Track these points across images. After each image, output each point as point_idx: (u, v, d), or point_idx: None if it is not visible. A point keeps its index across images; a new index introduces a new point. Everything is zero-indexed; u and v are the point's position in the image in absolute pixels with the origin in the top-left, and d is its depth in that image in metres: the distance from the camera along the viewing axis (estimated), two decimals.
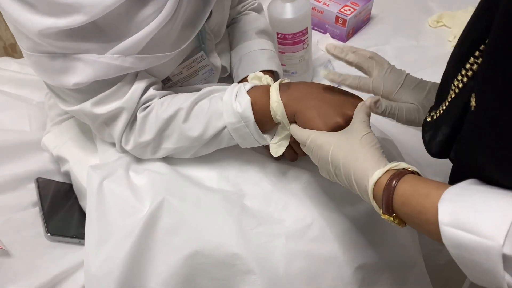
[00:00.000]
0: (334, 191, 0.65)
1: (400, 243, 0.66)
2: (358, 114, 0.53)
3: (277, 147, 0.61)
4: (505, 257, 0.34)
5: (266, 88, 0.61)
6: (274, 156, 0.61)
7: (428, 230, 0.40)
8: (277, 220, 0.63)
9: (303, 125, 0.57)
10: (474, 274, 0.38)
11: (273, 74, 0.80)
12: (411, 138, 0.84)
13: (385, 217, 0.44)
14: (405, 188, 0.42)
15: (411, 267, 0.67)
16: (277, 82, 0.61)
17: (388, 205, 0.43)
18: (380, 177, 0.44)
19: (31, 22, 0.53)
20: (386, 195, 0.43)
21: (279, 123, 0.60)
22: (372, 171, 0.45)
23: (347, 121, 0.55)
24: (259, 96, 0.61)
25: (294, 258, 0.60)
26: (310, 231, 0.62)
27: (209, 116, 0.62)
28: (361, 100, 0.58)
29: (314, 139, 0.53)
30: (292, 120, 0.59)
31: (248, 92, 0.62)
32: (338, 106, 0.57)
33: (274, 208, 0.64)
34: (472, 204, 0.37)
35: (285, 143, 0.62)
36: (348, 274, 0.61)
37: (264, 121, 0.61)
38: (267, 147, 0.64)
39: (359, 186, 0.47)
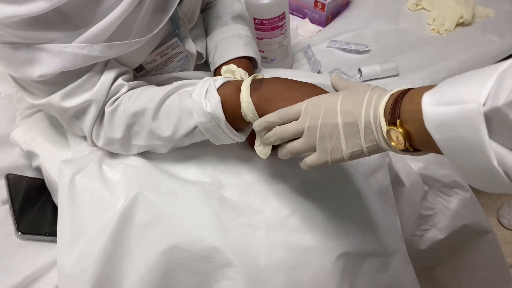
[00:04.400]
0: (314, 181, 0.64)
1: (381, 231, 0.65)
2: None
3: (263, 148, 0.58)
4: (488, 118, 0.31)
5: (238, 85, 0.58)
6: (263, 157, 0.58)
7: (420, 125, 0.38)
8: (257, 211, 0.62)
9: None
10: (465, 164, 0.35)
11: (251, 61, 0.78)
12: None
13: (391, 127, 0.42)
14: (412, 91, 0.42)
15: (392, 254, 0.67)
16: (249, 79, 0.57)
17: (396, 108, 0.41)
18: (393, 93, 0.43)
19: None
20: (395, 99, 0.42)
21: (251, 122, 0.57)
22: (386, 93, 0.44)
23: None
24: (229, 94, 0.57)
25: (274, 249, 0.59)
26: (290, 221, 0.61)
27: (179, 114, 0.59)
28: None
29: (312, 101, 0.48)
30: None
31: (219, 89, 0.58)
32: None
33: (253, 198, 0.63)
34: (454, 80, 0.35)
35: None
36: (330, 263, 0.60)
37: (236, 120, 0.58)
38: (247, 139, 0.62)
39: (367, 114, 0.44)
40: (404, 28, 1.15)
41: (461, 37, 1.09)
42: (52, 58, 0.55)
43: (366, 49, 1.08)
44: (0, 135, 0.81)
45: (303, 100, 0.51)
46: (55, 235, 0.63)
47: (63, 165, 0.63)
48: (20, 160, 0.80)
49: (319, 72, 1.03)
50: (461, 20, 1.11)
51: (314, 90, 0.54)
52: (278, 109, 0.52)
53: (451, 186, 0.86)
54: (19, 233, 0.65)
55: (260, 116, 0.55)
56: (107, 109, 0.61)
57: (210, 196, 0.62)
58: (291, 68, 1.08)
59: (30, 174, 0.78)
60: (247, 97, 0.55)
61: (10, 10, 0.50)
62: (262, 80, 0.58)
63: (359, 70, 1.01)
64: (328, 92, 0.54)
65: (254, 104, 0.55)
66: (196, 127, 0.59)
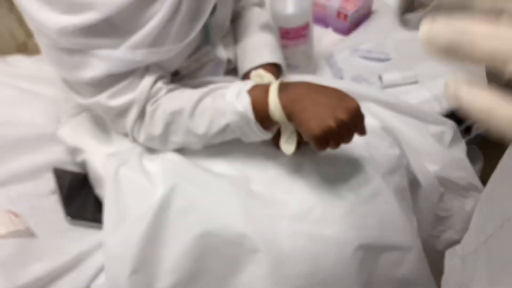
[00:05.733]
0: (335, 177, 0.69)
1: (397, 227, 0.69)
2: None
3: (288, 145, 0.64)
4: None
5: (266, 88, 0.63)
6: (287, 153, 0.64)
7: None
8: (281, 202, 0.67)
9: (298, 126, 0.60)
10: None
11: (277, 67, 0.83)
12: (410, 127, 0.87)
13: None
14: None
15: (408, 250, 0.70)
16: (276, 83, 0.63)
17: None
18: None
19: (50, 21, 0.58)
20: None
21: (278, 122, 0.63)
22: None
23: (339, 124, 0.56)
24: (259, 96, 0.63)
25: (297, 238, 0.64)
26: (312, 213, 0.65)
27: (212, 114, 0.65)
28: (356, 102, 0.59)
29: None
30: (290, 120, 0.61)
31: (249, 91, 0.64)
32: (332, 109, 0.57)
33: (278, 192, 0.68)
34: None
35: (294, 139, 0.64)
36: (349, 253, 0.64)
37: (265, 119, 0.63)
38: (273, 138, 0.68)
39: None
40: None
41: None
42: (101, 63, 0.62)
43: (387, 57, 1.12)
44: (47, 133, 0.88)
45: (326, 102, 0.57)
46: (98, 222, 0.69)
47: (109, 159, 0.70)
48: (64, 156, 0.86)
49: (341, 79, 1.08)
50: None
51: (339, 93, 0.60)
52: (303, 109, 0.58)
53: (467, 188, 0.89)
54: (69, 217, 0.72)
55: (286, 117, 0.60)
56: (149, 108, 0.68)
57: (238, 188, 0.67)
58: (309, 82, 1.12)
59: (72, 169, 0.85)
60: (275, 98, 0.61)
61: (68, 20, 0.57)
62: (289, 83, 0.63)
63: (380, 77, 1.06)
64: (352, 97, 0.58)
65: (281, 105, 0.60)
66: (227, 125, 0.65)
